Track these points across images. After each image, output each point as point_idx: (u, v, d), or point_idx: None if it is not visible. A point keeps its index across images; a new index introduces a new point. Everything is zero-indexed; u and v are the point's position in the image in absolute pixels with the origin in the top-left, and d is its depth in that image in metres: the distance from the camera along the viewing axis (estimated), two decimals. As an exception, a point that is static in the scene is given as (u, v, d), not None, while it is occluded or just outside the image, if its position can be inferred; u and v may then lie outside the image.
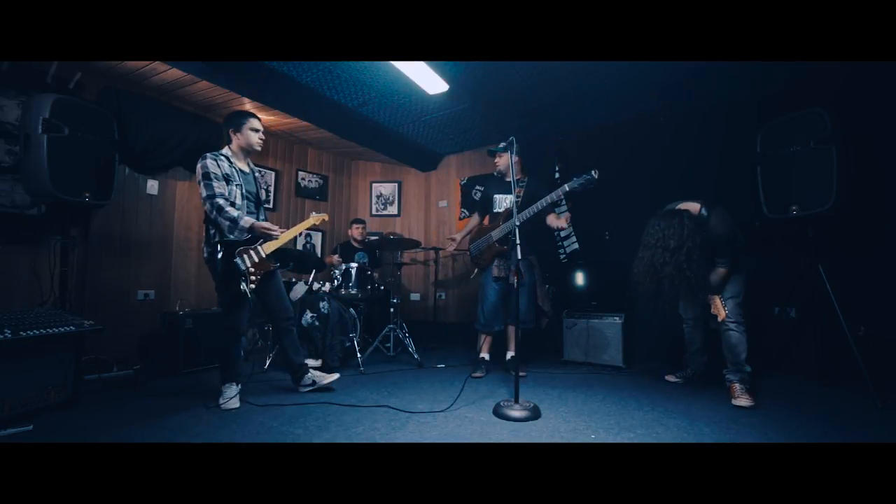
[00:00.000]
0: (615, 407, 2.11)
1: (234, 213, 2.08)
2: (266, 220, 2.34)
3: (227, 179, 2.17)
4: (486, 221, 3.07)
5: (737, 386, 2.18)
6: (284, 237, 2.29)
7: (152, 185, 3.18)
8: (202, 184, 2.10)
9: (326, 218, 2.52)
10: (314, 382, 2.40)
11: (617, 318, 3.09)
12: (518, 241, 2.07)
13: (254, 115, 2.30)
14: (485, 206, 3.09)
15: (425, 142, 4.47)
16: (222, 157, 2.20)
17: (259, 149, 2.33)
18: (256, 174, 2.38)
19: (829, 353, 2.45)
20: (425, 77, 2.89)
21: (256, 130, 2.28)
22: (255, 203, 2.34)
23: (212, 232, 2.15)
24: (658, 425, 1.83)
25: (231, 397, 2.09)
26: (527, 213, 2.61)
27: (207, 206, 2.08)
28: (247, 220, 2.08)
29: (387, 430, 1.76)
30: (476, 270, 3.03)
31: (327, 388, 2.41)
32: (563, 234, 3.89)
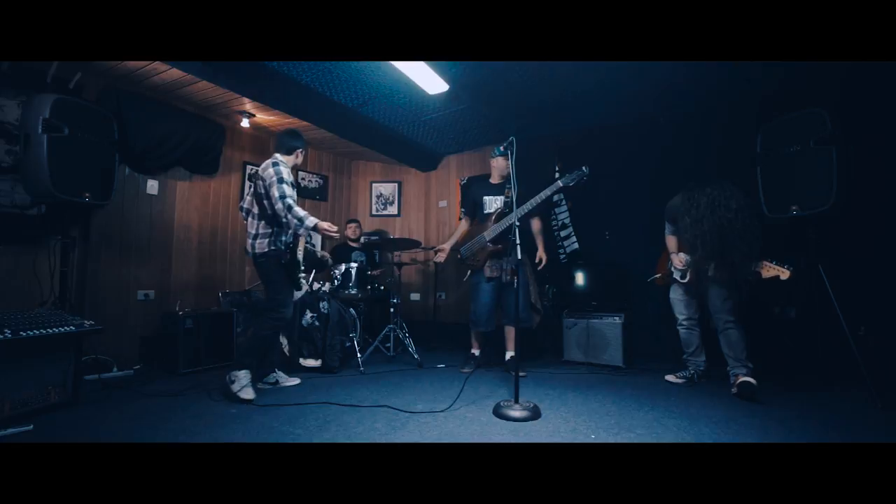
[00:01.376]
0: (615, 407, 2.11)
1: (301, 212, 2.18)
2: None
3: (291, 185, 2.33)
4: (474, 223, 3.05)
5: (743, 379, 2.21)
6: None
7: (152, 185, 3.18)
8: (275, 186, 2.20)
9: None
10: (277, 382, 2.53)
11: (617, 318, 3.09)
12: (518, 241, 2.08)
13: None
14: (473, 208, 3.07)
15: (425, 142, 4.47)
16: (284, 165, 2.34)
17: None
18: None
19: (829, 353, 2.45)
20: (425, 77, 2.89)
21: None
22: None
23: (272, 230, 2.28)
24: (658, 425, 1.83)
25: (244, 385, 2.16)
26: (524, 208, 2.62)
27: (279, 205, 2.18)
28: (311, 220, 2.16)
29: (387, 430, 1.76)
30: (469, 273, 3.02)
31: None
32: (563, 233, 3.89)
